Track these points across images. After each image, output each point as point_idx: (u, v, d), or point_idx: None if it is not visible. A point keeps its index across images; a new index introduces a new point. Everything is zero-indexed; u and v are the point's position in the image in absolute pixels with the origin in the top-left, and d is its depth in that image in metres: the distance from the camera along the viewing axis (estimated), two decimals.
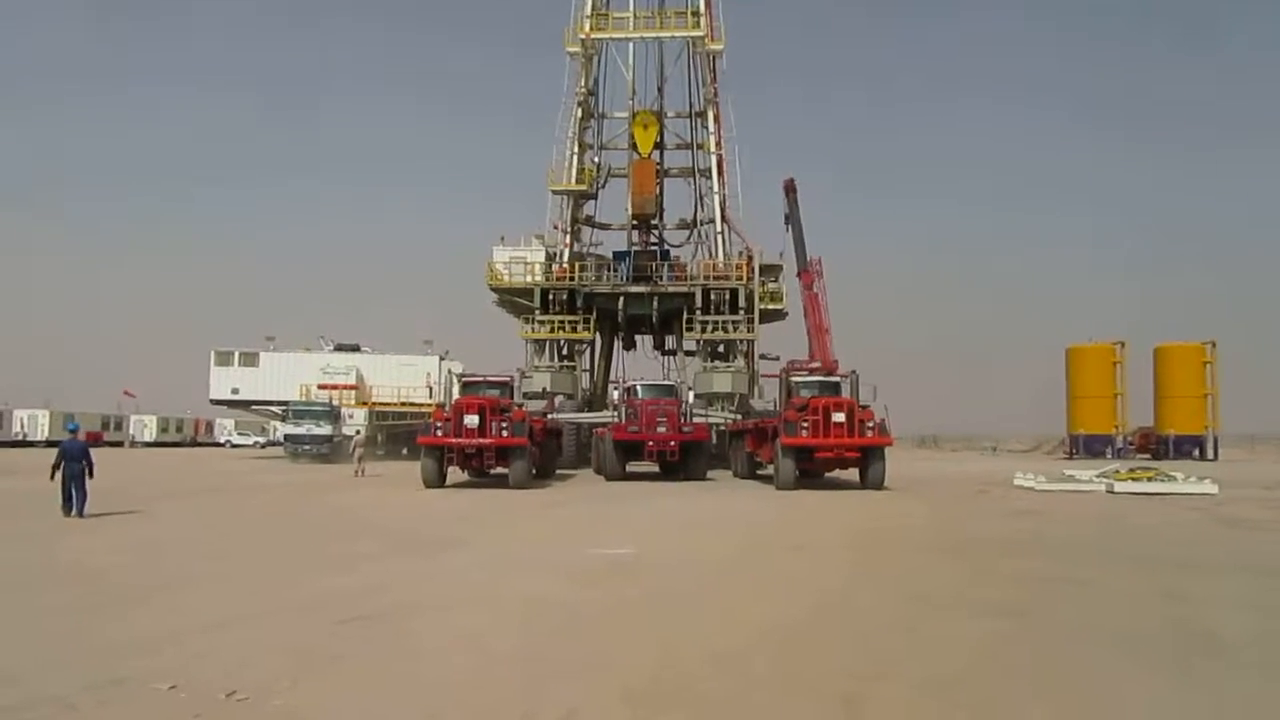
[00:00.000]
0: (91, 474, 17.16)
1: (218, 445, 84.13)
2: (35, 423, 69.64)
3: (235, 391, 53.72)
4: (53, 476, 16.97)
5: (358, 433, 38.80)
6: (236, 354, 53.75)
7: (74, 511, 16.66)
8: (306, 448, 46.17)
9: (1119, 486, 24.51)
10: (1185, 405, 55.76)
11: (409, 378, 51.78)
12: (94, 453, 17.67)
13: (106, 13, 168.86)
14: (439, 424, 25.89)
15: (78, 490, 16.84)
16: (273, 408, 54.49)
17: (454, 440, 25.21)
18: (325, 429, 46.71)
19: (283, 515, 19.46)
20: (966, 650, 7.16)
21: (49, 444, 59.81)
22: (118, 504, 19.47)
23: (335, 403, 49.83)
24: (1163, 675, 6.46)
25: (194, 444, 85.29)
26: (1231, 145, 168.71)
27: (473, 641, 7.40)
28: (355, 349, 55.45)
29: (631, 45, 47.41)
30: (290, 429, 48.00)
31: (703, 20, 44.99)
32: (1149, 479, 25.31)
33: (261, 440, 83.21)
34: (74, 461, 16.89)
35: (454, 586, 10.21)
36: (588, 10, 45.64)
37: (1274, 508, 20.68)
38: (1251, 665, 6.90)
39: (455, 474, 27.15)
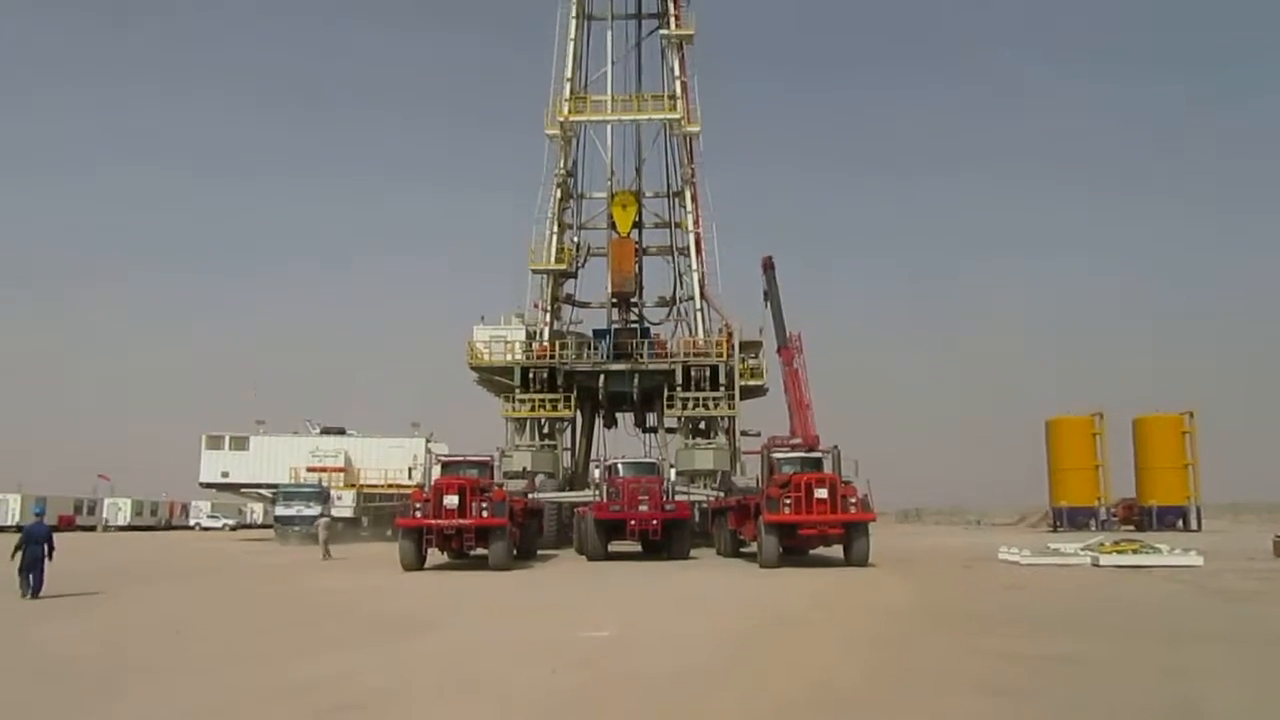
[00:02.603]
0: (51, 556, 17.30)
1: (189, 528, 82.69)
2: (6, 507, 68.31)
3: (225, 474, 54.31)
4: (13, 557, 17.10)
5: (323, 516, 38.51)
6: (227, 438, 54.44)
7: (30, 593, 16.82)
8: (296, 528, 45.98)
9: (1104, 559, 24.38)
10: (1166, 476, 55.91)
11: (396, 459, 52.03)
12: (65, 537, 17.59)
13: (100, 90, 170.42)
14: (418, 505, 25.52)
15: (36, 574, 17.03)
16: (262, 490, 54.83)
17: (433, 521, 24.81)
18: (315, 510, 46.48)
19: (257, 600, 19.00)
20: None
21: (19, 529, 58.53)
22: (85, 587, 19.08)
23: (325, 484, 49.69)
24: None
25: (168, 527, 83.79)
26: (1207, 210, 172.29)
27: None
28: (341, 432, 56.25)
29: (610, 128, 48.30)
30: (281, 510, 47.88)
31: (680, 103, 45.92)
32: (1134, 551, 25.20)
33: (232, 522, 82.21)
34: (36, 544, 17.15)
35: (435, 672, 9.91)
36: (566, 94, 46.56)
37: (1260, 578, 20.57)
38: None
39: (435, 556, 26.70)
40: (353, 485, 52.91)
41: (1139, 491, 57.90)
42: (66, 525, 66.53)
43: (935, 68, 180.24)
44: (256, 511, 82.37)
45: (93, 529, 73.43)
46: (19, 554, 16.99)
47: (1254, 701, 8.03)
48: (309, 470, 52.26)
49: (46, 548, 17.16)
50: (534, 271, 46.60)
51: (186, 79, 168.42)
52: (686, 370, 43.59)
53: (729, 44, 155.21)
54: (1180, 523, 54.17)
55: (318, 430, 56.12)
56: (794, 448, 30.10)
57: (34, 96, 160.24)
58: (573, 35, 47.64)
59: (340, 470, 53.02)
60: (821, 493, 24.45)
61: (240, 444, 54.18)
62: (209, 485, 57.17)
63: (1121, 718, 7.32)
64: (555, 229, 46.78)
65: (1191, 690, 8.38)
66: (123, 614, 15.87)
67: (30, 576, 16.93)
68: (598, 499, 29.82)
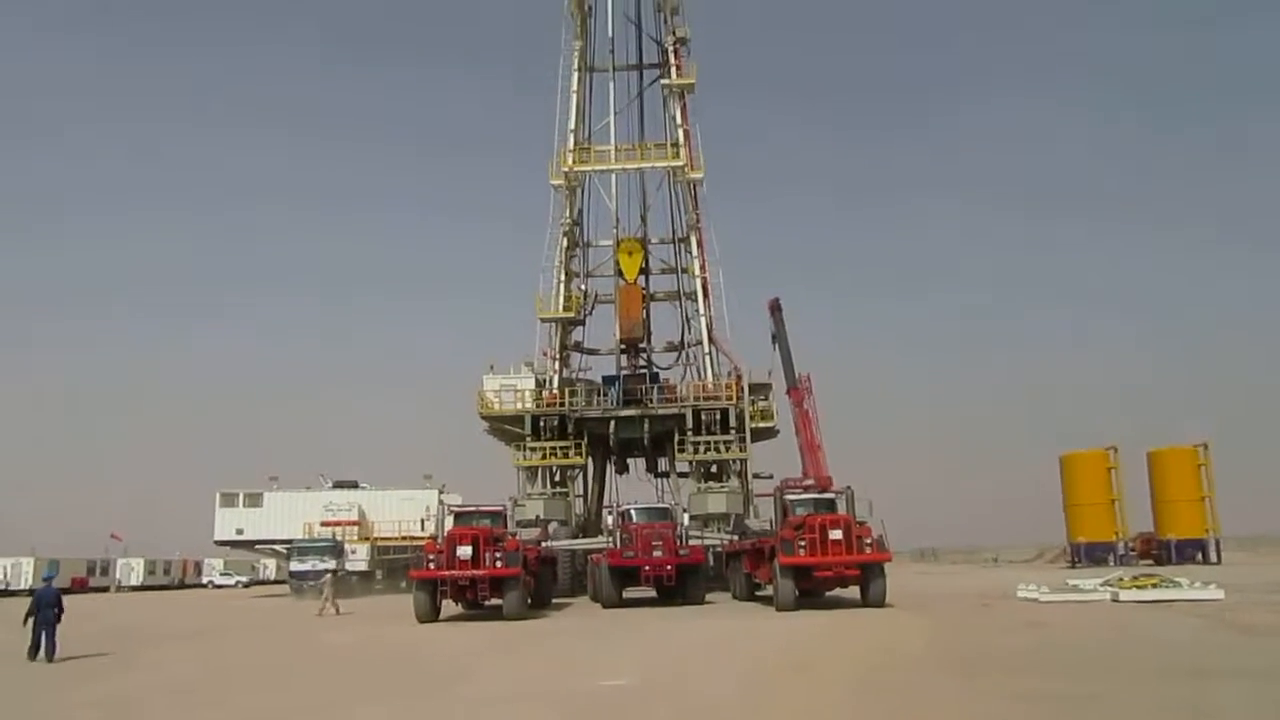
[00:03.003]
0: (59, 619, 17.42)
1: (202, 587, 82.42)
2: (18, 570, 68.09)
3: (240, 532, 54.36)
4: (26, 622, 17.27)
5: (329, 571, 38.48)
6: (241, 495, 54.58)
7: (41, 656, 16.92)
8: (311, 584, 45.95)
9: (1124, 595, 24.14)
10: (1184, 509, 55.37)
11: (410, 511, 52.03)
12: (78, 599, 17.70)
13: (107, 136, 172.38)
14: (431, 556, 25.45)
15: (48, 637, 17.15)
16: (277, 546, 55.01)
17: (447, 572, 24.74)
18: (329, 564, 46.48)
19: (270, 657, 18.90)
20: None
21: (31, 593, 58.36)
22: (98, 649, 19.09)
23: (339, 538, 49.72)
24: None
25: (181, 586, 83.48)
26: (1223, 241, 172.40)
27: None
28: (354, 486, 56.32)
29: (614, 176, 48.79)
30: (295, 565, 48.01)
31: (682, 151, 46.54)
32: (1154, 586, 24.94)
33: (245, 580, 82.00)
34: (48, 608, 17.29)
35: None
36: (570, 145, 47.25)
37: None
38: None
39: (450, 607, 26.56)
40: (366, 538, 53.01)
41: (1157, 525, 57.35)
42: (80, 587, 66.25)
43: (936, 97, 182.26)
44: (269, 568, 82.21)
45: (106, 590, 73.11)
46: (31, 619, 17.14)
47: None
48: (323, 525, 52.37)
49: (58, 611, 17.30)
50: (542, 320, 46.92)
51: (182, 111, 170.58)
52: (696, 414, 43.58)
53: (731, 75, 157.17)
54: (1200, 556, 53.57)
55: (330, 485, 56.27)
56: (807, 489, 30.01)
57: (30, 142, 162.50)
58: (575, 87, 48.48)
59: (354, 524, 53.11)
60: (836, 534, 24.30)
61: (254, 501, 54.27)
62: (224, 543, 57.12)
63: None
64: (563, 277, 47.23)
65: None
66: (134, 676, 15.80)
67: (42, 640, 17.05)
68: (611, 546, 29.72)
